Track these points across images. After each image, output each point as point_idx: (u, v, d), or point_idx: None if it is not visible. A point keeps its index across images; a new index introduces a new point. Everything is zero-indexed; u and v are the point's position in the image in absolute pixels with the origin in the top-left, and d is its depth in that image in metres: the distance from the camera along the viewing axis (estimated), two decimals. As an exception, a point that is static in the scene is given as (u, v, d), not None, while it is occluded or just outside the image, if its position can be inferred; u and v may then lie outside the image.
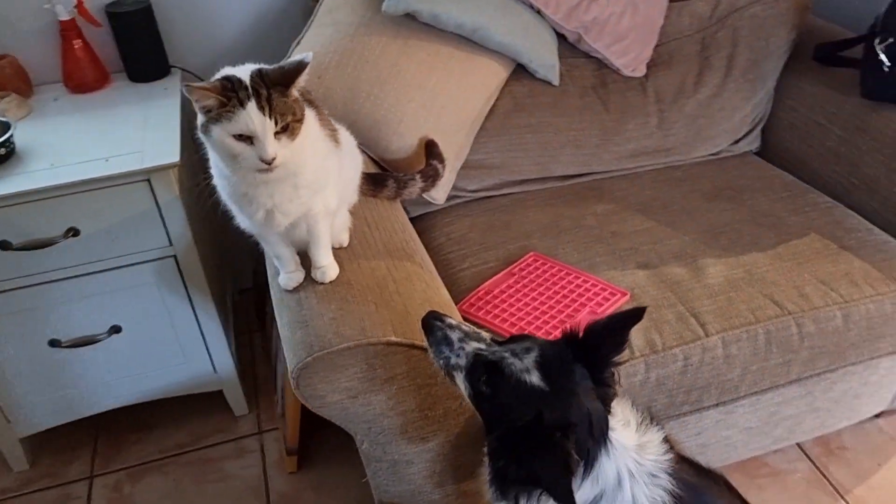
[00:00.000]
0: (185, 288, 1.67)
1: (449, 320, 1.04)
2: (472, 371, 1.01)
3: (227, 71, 0.97)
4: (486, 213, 1.71)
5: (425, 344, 1.12)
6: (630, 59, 1.82)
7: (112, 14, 1.75)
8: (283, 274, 1.22)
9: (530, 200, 1.76)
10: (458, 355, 1.02)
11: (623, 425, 1.02)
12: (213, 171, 1.08)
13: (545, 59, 1.76)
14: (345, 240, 1.30)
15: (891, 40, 1.56)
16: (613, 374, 1.00)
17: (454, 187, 1.73)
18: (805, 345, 1.38)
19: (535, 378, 0.95)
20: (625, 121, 1.82)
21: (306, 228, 1.15)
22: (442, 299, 1.27)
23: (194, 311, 1.72)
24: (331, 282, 1.21)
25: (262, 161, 0.95)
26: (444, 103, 1.63)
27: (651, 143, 1.84)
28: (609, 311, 1.38)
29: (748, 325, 1.35)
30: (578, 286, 1.45)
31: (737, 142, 1.90)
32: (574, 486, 0.90)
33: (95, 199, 1.49)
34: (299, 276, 1.22)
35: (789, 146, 1.87)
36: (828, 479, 1.70)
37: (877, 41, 1.57)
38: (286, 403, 1.73)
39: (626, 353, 1.03)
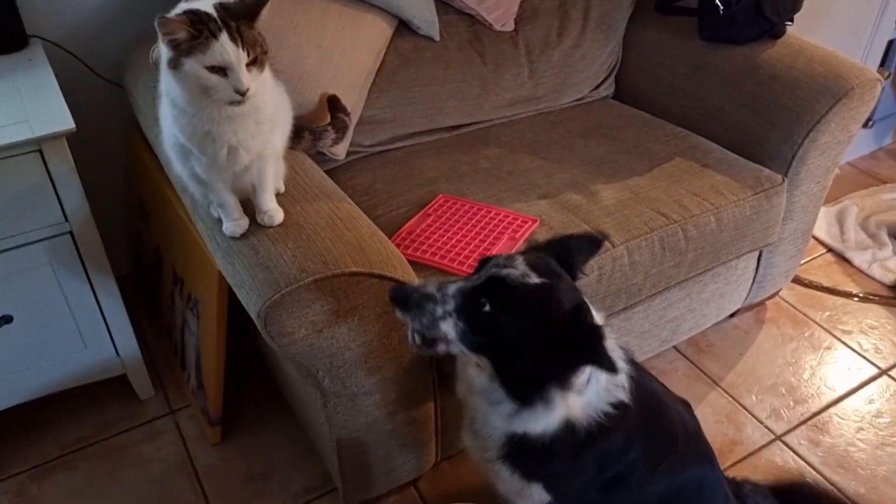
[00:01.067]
0: (84, 266, 1.58)
1: (416, 282, 1.04)
2: (468, 302, 1.02)
3: (187, 5, 0.96)
4: (386, 166, 1.78)
5: (390, 274, 1.19)
6: (500, 14, 1.96)
7: (-41, -19, 1.60)
8: (229, 222, 1.22)
9: (424, 151, 1.85)
10: (444, 302, 1.03)
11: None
12: (166, 114, 1.06)
13: (426, 16, 1.85)
14: (282, 186, 1.31)
15: (724, -13, 1.82)
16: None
17: (351, 143, 1.77)
18: (690, 247, 1.60)
19: (534, 279, 1.01)
20: (500, 72, 1.96)
21: (256, 172, 1.16)
22: (384, 235, 1.33)
23: (94, 292, 1.63)
24: (279, 224, 1.23)
25: (237, 92, 0.96)
26: (338, 61, 1.67)
27: (525, 92, 2.00)
28: (525, 237, 1.51)
29: (645, 234, 1.54)
30: (492, 219, 1.56)
31: (597, 87, 2.11)
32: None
33: (-23, 175, 1.38)
34: (244, 223, 1.23)
35: (641, 88, 2.10)
36: (703, 372, 1.96)
37: (712, -12, 1.83)
38: (205, 374, 1.70)
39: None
